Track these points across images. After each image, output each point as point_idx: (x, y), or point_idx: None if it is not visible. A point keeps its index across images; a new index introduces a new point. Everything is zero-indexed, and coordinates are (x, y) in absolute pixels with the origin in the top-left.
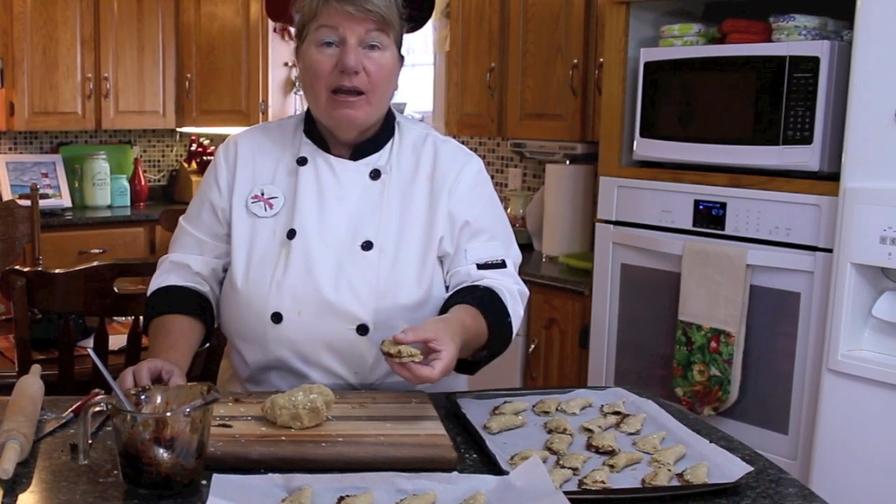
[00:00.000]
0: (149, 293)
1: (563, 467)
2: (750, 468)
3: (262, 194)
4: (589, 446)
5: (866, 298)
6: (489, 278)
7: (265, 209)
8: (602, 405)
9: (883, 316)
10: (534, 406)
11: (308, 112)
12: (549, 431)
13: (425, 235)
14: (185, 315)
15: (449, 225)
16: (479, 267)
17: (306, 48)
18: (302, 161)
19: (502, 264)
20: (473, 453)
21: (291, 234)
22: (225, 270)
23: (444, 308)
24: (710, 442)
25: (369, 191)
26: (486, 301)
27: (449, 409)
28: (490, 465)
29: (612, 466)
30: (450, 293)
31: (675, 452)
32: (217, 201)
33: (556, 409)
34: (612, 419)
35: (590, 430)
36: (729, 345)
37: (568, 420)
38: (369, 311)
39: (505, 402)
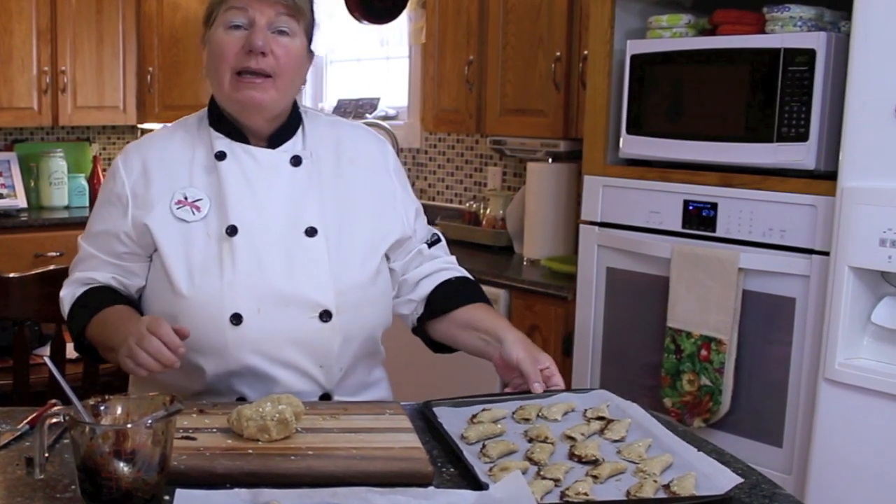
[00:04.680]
0: (67, 309)
1: (544, 478)
2: (740, 479)
3: (186, 198)
4: (571, 455)
5: (865, 304)
6: (444, 259)
7: (192, 213)
8: (585, 409)
9: (882, 322)
10: (514, 413)
11: (211, 106)
12: (530, 440)
13: (371, 218)
14: (124, 305)
15: (403, 209)
16: (428, 245)
17: (213, 31)
18: (221, 156)
19: (439, 239)
20: (451, 467)
21: (232, 230)
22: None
23: (447, 307)
24: (699, 451)
25: (294, 177)
26: (482, 295)
27: (426, 420)
28: (469, 479)
29: (595, 477)
30: (433, 285)
31: (662, 462)
32: (120, 221)
33: (538, 416)
34: (596, 425)
35: (572, 439)
36: (720, 353)
37: (549, 427)
38: (329, 296)
39: (483, 410)
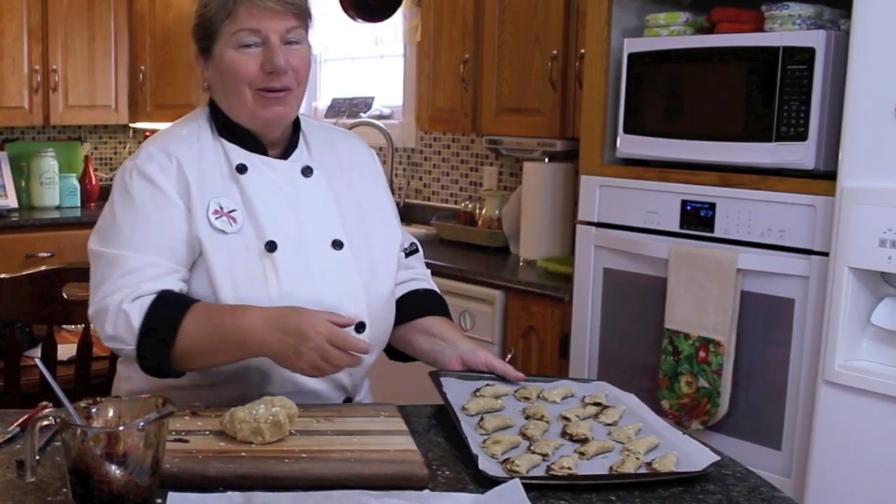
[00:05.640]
0: (138, 322)
1: (533, 453)
2: (717, 457)
3: (222, 208)
4: (564, 434)
5: (865, 305)
6: (417, 271)
7: (230, 224)
8: (584, 396)
9: (882, 324)
10: (515, 391)
11: (216, 115)
12: (527, 417)
13: (385, 227)
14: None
15: (394, 215)
16: (406, 254)
17: (222, 50)
18: (242, 168)
19: (417, 249)
20: (446, 470)
21: (271, 246)
22: None
23: (411, 315)
24: (684, 433)
25: (308, 188)
26: (446, 309)
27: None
28: (464, 482)
29: (582, 454)
30: (402, 292)
31: (648, 442)
32: (183, 226)
33: (538, 397)
34: (592, 410)
35: (567, 419)
36: (718, 355)
37: (547, 407)
38: (363, 309)
39: (487, 385)
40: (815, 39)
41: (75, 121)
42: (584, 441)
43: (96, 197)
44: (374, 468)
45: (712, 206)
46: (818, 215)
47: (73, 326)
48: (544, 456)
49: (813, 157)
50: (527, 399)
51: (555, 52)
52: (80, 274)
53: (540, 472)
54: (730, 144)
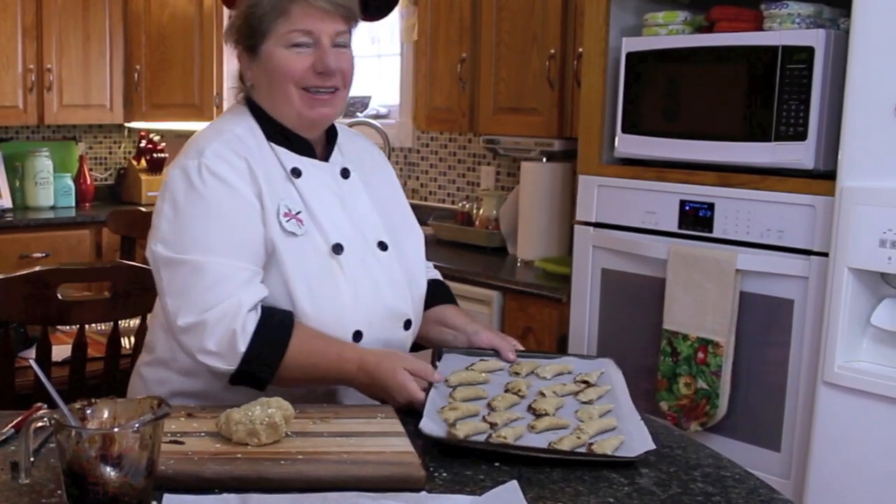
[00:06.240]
0: (244, 343)
1: (484, 421)
2: (651, 447)
3: (290, 210)
4: (529, 408)
5: (864, 306)
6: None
7: (299, 226)
8: (578, 374)
9: (882, 325)
10: (511, 367)
11: (262, 118)
12: (506, 391)
13: (410, 225)
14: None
15: (411, 211)
16: None
17: (271, 49)
18: (296, 172)
19: None
20: (443, 472)
21: (338, 248)
22: None
23: (424, 306)
24: (641, 420)
25: (349, 191)
26: (452, 298)
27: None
28: (465, 484)
29: (532, 427)
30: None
31: (602, 424)
32: (260, 227)
33: (531, 373)
34: (574, 387)
35: (542, 395)
36: (717, 356)
37: (532, 383)
38: (410, 307)
39: (482, 360)
40: (815, 38)
41: (70, 120)
42: (542, 416)
43: (91, 197)
44: (371, 470)
45: (711, 207)
46: (818, 215)
47: (67, 327)
48: (493, 425)
49: (812, 156)
50: (517, 374)
51: (552, 51)
52: (76, 275)
53: (479, 438)
54: (729, 144)
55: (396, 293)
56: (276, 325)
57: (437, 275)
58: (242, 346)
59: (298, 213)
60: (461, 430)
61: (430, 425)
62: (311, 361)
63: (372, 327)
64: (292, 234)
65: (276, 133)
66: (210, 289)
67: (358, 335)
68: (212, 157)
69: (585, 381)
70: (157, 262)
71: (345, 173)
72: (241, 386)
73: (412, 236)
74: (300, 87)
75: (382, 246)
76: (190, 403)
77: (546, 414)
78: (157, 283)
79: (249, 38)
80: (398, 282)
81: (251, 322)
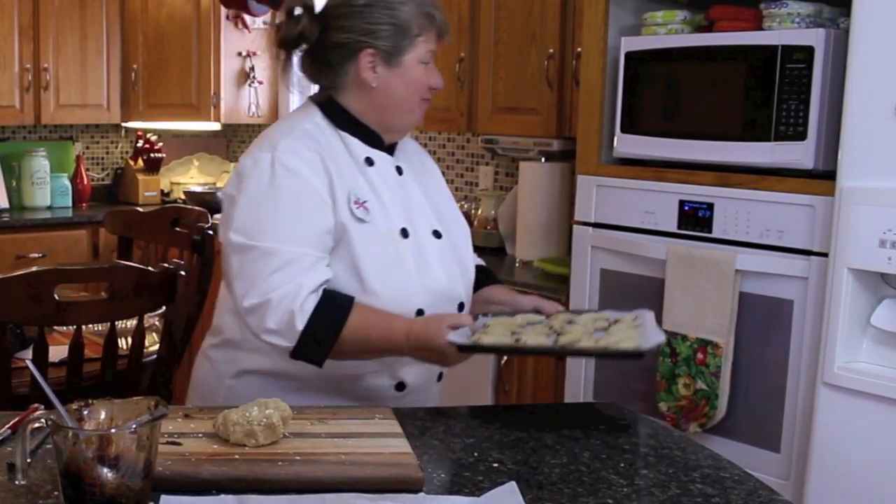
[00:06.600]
0: (303, 322)
1: (511, 335)
2: (662, 339)
3: (359, 198)
4: (556, 336)
5: (864, 306)
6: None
7: (366, 214)
8: (612, 318)
9: (882, 325)
10: (547, 319)
11: (335, 111)
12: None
13: (457, 216)
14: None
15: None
16: None
17: (412, 61)
18: (370, 161)
19: None
20: (441, 473)
21: (404, 233)
22: None
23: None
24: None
25: (405, 183)
26: (496, 278)
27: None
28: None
29: (555, 342)
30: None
31: (619, 337)
32: (327, 218)
33: (567, 322)
34: (603, 324)
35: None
36: (716, 356)
37: (564, 327)
38: (463, 291)
39: (522, 314)
40: (815, 38)
41: (67, 120)
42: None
43: (88, 197)
44: (369, 471)
45: (710, 207)
46: (817, 215)
47: (64, 328)
48: (517, 340)
49: (812, 156)
50: (552, 328)
51: (551, 50)
52: (72, 275)
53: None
54: (728, 144)
55: (451, 277)
56: (334, 305)
57: (482, 261)
58: (301, 325)
59: (365, 201)
60: (485, 340)
61: (457, 337)
62: (365, 333)
63: (431, 308)
64: (361, 220)
65: (350, 126)
66: (275, 273)
67: (420, 313)
68: (284, 151)
69: (617, 321)
70: (229, 248)
71: (399, 170)
72: (302, 361)
73: (461, 228)
74: (421, 99)
75: (437, 234)
76: (258, 381)
77: (571, 334)
78: (226, 268)
79: (394, 46)
80: (452, 267)
81: (311, 303)
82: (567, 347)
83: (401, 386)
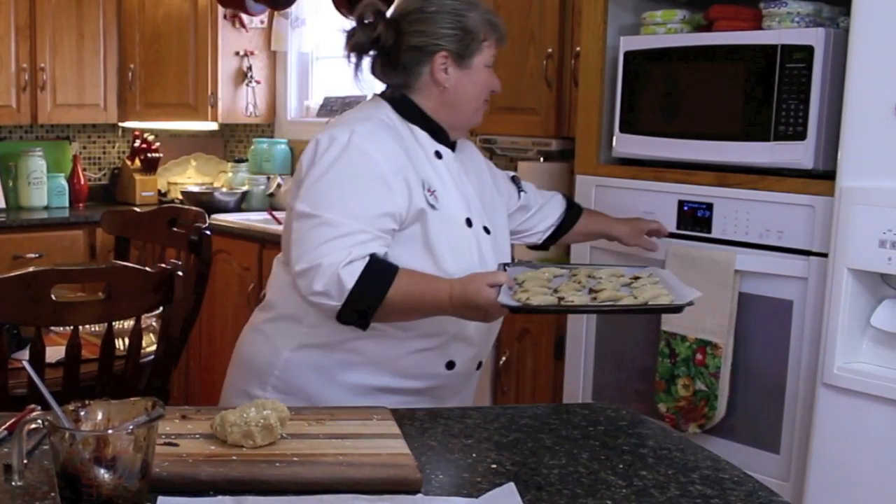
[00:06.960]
0: (352, 282)
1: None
2: (697, 294)
3: (431, 188)
4: (590, 291)
5: (864, 307)
6: (535, 192)
7: (436, 201)
8: (630, 273)
9: (882, 326)
10: (570, 271)
11: (407, 108)
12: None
13: (501, 215)
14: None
15: (498, 188)
16: (518, 189)
17: (479, 65)
18: (439, 154)
19: (517, 178)
20: (440, 473)
21: (469, 222)
22: None
23: (564, 230)
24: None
25: (462, 177)
26: (579, 206)
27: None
28: (461, 486)
29: (594, 298)
30: (548, 224)
31: (654, 291)
32: (394, 202)
33: (589, 276)
34: (627, 280)
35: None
36: (716, 357)
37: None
38: None
39: (545, 269)
40: (814, 37)
41: (63, 120)
42: (602, 291)
43: (85, 197)
44: (367, 472)
45: (709, 207)
46: (817, 216)
47: (61, 328)
48: (560, 299)
49: (812, 156)
50: (575, 276)
51: (550, 50)
52: (69, 275)
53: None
54: (727, 144)
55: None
56: (380, 268)
57: (555, 195)
58: (349, 284)
59: (435, 190)
60: (535, 300)
61: (507, 300)
62: (410, 294)
63: None
64: (433, 207)
65: (422, 122)
66: (330, 241)
67: None
68: (362, 135)
69: (637, 277)
70: (294, 216)
71: (460, 166)
72: (349, 326)
73: (504, 228)
74: (483, 100)
75: (486, 230)
76: (315, 354)
77: (603, 290)
78: (286, 235)
79: (463, 48)
80: (496, 263)
81: (358, 267)
82: (613, 306)
83: (451, 364)
